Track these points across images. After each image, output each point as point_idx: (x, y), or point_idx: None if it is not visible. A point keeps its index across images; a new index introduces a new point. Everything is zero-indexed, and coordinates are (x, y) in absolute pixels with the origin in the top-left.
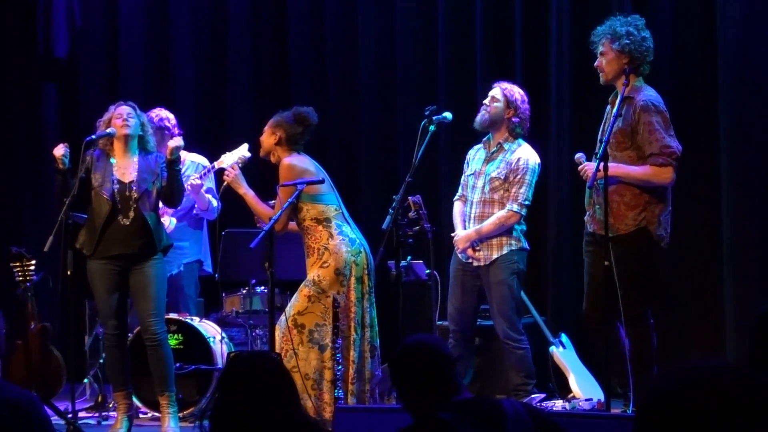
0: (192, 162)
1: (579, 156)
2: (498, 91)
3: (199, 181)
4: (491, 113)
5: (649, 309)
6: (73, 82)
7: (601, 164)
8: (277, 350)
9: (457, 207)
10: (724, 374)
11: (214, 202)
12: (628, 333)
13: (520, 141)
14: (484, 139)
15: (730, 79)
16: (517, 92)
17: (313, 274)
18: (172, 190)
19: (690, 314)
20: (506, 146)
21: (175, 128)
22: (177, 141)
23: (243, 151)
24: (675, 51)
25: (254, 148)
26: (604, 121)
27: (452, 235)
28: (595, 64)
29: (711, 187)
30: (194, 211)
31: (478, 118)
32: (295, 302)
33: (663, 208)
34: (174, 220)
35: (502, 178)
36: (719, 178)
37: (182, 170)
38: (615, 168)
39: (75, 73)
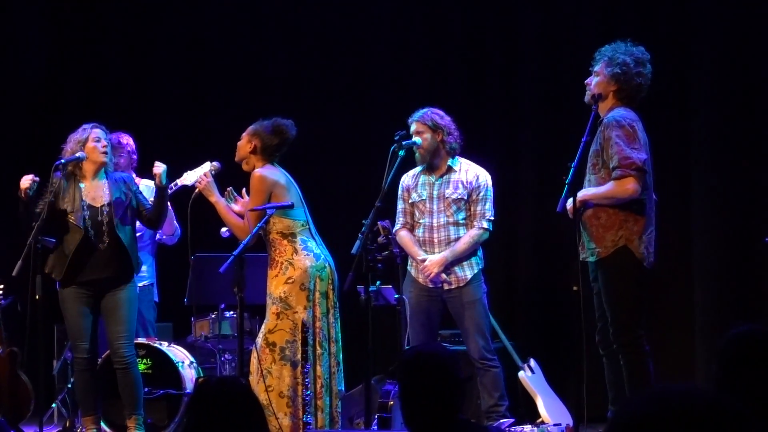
0: (147, 186)
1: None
2: (418, 124)
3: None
4: (426, 147)
5: (643, 334)
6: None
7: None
8: (253, 371)
9: (406, 235)
10: (692, 398)
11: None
12: (623, 361)
13: (458, 158)
14: (424, 166)
15: (704, 99)
16: (433, 113)
17: (278, 290)
18: (159, 214)
19: (660, 337)
20: (454, 166)
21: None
22: (162, 167)
23: (205, 168)
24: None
25: (232, 152)
26: None
27: (420, 260)
28: (586, 81)
29: (682, 210)
30: (157, 236)
31: (418, 157)
32: (266, 321)
33: (643, 226)
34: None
35: (465, 198)
36: (690, 199)
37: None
38: (582, 194)
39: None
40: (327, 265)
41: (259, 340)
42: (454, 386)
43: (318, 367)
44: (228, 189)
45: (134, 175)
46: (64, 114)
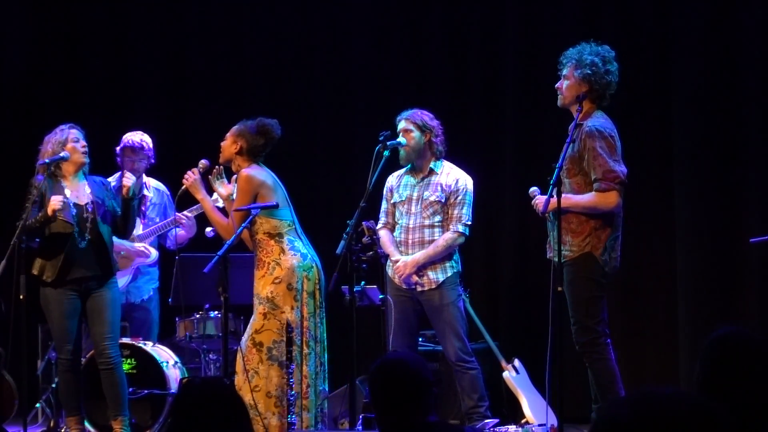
0: (156, 189)
1: (533, 190)
2: (407, 122)
3: (191, 215)
4: (412, 146)
5: (604, 336)
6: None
7: (554, 192)
8: (239, 371)
9: (386, 235)
10: (676, 401)
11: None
12: (586, 362)
13: (442, 161)
14: (408, 167)
15: (684, 105)
16: (422, 114)
17: (265, 291)
18: (125, 225)
19: (643, 339)
20: (436, 169)
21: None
22: (131, 179)
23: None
24: (628, 78)
25: (214, 152)
26: None
27: (393, 260)
28: (556, 85)
29: (664, 211)
30: (167, 244)
31: (403, 154)
32: (253, 321)
33: (610, 233)
34: (156, 253)
35: (443, 201)
36: (672, 203)
37: (149, 198)
38: (563, 200)
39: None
40: (314, 264)
41: (245, 340)
42: (421, 391)
43: (305, 367)
44: (217, 167)
45: (144, 176)
46: (44, 114)
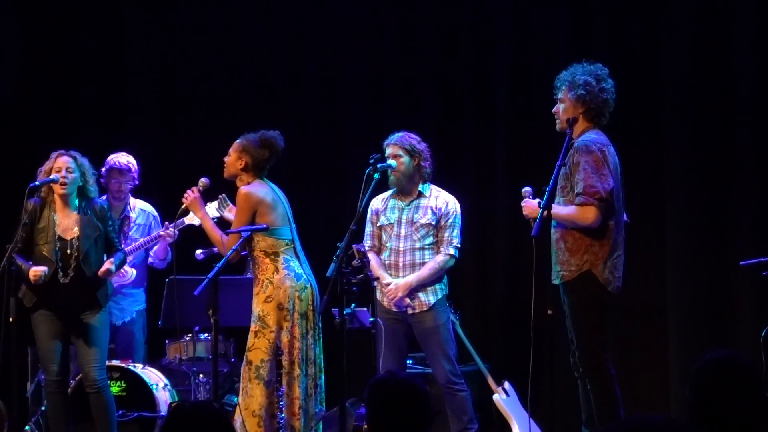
0: (142, 210)
1: (526, 190)
2: (395, 147)
3: (175, 232)
4: (402, 171)
5: (607, 358)
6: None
7: (545, 214)
8: (240, 389)
9: (374, 258)
10: (666, 429)
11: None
12: (589, 385)
13: (429, 184)
14: (395, 190)
15: (676, 123)
16: (410, 138)
17: (258, 309)
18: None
19: (634, 362)
20: (424, 192)
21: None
22: (107, 266)
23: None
24: (619, 95)
25: (205, 169)
26: None
27: (385, 283)
28: (553, 110)
29: (655, 232)
30: (149, 260)
31: (392, 179)
32: (248, 338)
33: (609, 251)
34: (134, 272)
35: (434, 223)
36: (664, 222)
37: (133, 218)
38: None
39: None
40: (308, 285)
41: (244, 358)
42: (423, 419)
43: (296, 389)
44: (220, 196)
45: (130, 197)
46: (36, 133)
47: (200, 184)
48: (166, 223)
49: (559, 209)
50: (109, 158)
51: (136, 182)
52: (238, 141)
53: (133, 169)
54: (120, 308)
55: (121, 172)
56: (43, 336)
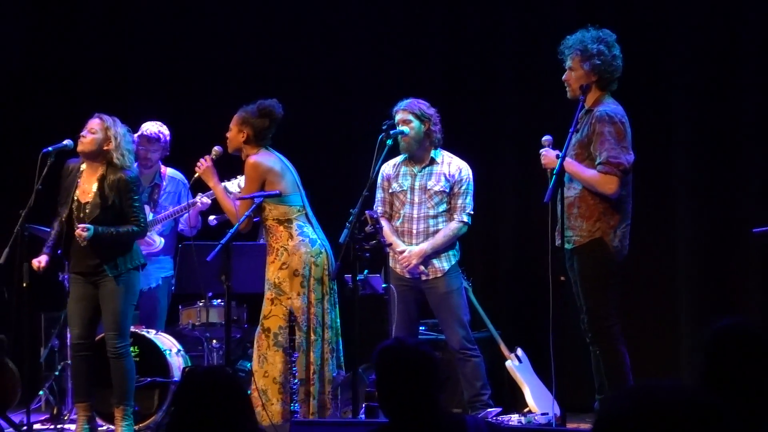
0: (172, 178)
1: (546, 138)
2: (405, 112)
3: (208, 201)
4: (412, 135)
5: (616, 324)
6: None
7: (563, 164)
8: (256, 357)
9: (386, 224)
10: (677, 395)
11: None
12: (598, 350)
13: (440, 150)
14: (405, 157)
15: (684, 90)
16: (419, 103)
17: (273, 276)
18: None
19: (644, 330)
20: (436, 158)
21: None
22: (78, 231)
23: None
24: (625, 68)
25: (212, 142)
26: None
27: (399, 251)
28: (563, 77)
29: (665, 201)
30: (179, 227)
31: (403, 145)
32: (263, 307)
33: (620, 220)
34: (162, 240)
35: (447, 191)
36: (674, 191)
37: (163, 186)
38: (568, 163)
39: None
40: (323, 250)
41: (259, 326)
42: (433, 384)
43: (311, 354)
44: (215, 148)
45: (161, 165)
46: (41, 104)
47: (213, 152)
48: (199, 194)
49: (580, 169)
50: (143, 126)
51: (167, 152)
52: (236, 114)
53: (162, 139)
54: (146, 274)
55: (149, 140)
56: (70, 298)
